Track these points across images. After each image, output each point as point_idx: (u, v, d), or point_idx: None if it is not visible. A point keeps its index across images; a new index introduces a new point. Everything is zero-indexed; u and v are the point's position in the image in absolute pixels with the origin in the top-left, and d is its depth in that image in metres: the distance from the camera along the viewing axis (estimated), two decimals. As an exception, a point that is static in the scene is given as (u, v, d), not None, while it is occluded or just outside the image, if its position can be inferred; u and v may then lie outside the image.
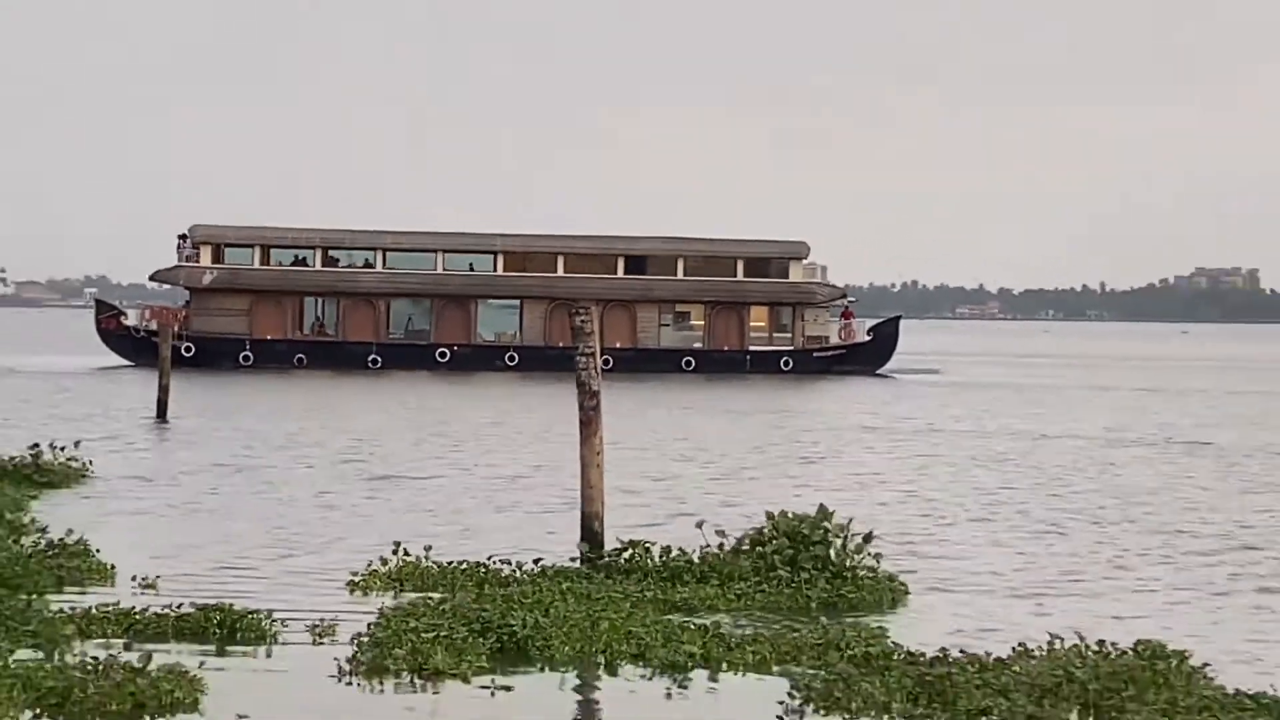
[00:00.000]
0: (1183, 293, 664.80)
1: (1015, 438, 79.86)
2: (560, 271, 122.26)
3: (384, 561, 30.80)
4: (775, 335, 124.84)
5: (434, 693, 21.76)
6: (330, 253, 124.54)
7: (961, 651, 23.31)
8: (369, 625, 24.84)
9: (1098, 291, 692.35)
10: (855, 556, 31.76)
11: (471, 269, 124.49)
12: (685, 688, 22.80)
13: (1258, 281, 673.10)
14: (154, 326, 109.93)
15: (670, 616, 26.81)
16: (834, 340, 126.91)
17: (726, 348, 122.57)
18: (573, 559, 31.79)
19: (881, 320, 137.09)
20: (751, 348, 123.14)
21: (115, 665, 20.64)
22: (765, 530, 31.97)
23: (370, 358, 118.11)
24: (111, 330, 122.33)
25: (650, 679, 23.30)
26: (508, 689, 21.92)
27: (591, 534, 32.20)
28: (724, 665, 23.85)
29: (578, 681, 23.05)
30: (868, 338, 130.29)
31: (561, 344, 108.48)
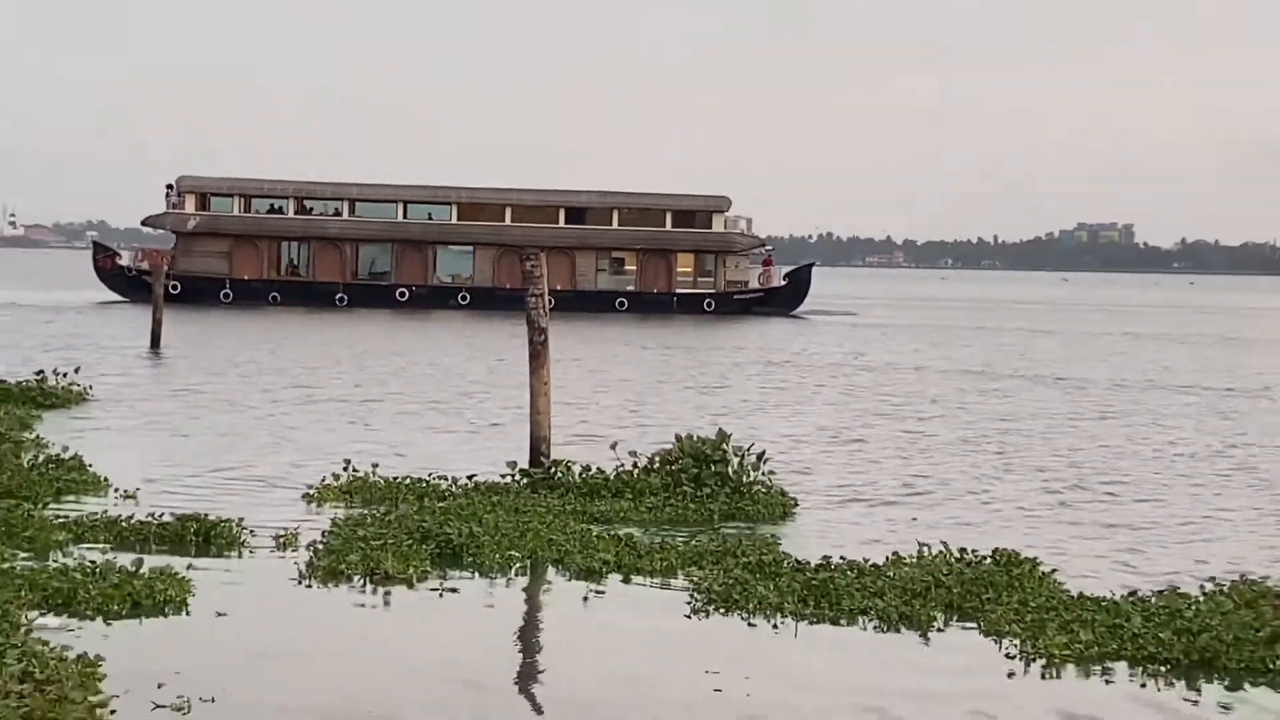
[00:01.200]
0: (1066, 245, 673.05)
1: (903, 370, 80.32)
2: (508, 221, 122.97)
3: (336, 477, 31.23)
4: (699, 280, 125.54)
5: (385, 593, 22.27)
6: (304, 202, 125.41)
7: (843, 559, 24.03)
8: (323, 534, 25.34)
9: (991, 243, 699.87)
10: (751, 474, 32.40)
11: (430, 218, 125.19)
12: (602, 591, 23.30)
13: (1132, 235, 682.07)
14: (145, 267, 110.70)
15: (589, 527, 27.27)
16: (753, 284, 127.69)
17: (655, 290, 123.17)
18: (503, 476, 32.08)
19: (796, 266, 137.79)
20: (678, 291, 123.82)
21: (112, 568, 21.14)
22: (673, 451, 32.52)
23: (337, 296, 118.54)
24: (108, 270, 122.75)
25: (569, 581, 23.91)
26: (454, 591, 22.58)
27: (538, 455, 32.75)
28: (635, 571, 24.34)
29: (505, 586, 23.53)
30: (784, 283, 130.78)
31: (509, 285, 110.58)
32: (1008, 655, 19.80)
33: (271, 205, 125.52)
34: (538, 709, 17.12)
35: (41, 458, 32.96)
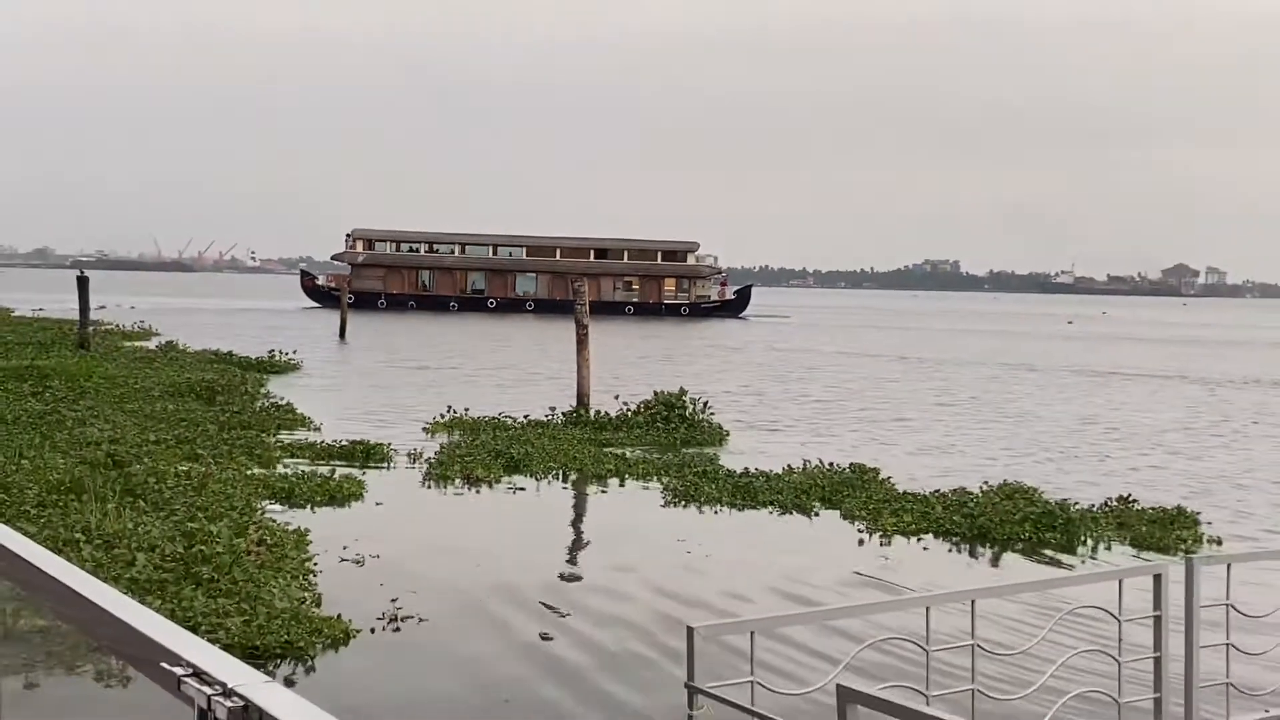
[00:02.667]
0: (916, 273, 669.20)
1: (801, 351, 79.90)
2: (558, 257, 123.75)
3: (443, 417, 31.90)
4: (679, 294, 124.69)
5: (476, 489, 23.37)
6: (433, 246, 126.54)
7: (757, 469, 25.02)
8: (436, 452, 26.50)
9: (869, 271, 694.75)
10: (701, 414, 33.27)
11: (510, 255, 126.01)
12: (605, 490, 24.53)
13: (959, 267, 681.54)
14: (334, 286, 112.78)
15: (600, 449, 28.09)
16: (713, 298, 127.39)
17: (650, 301, 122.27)
18: (547, 416, 32.68)
19: (742, 286, 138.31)
20: (665, 301, 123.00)
21: (314, 474, 22.61)
22: (652, 401, 33.46)
23: (451, 304, 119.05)
24: (310, 288, 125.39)
25: (587, 483, 25.01)
26: (521, 489, 23.85)
27: (582, 403, 33.62)
28: (626, 476, 25.38)
29: (545, 485, 24.57)
30: (733, 297, 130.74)
31: (559, 298, 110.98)
32: (858, 530, 20.80)
33: (411, 247, 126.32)
34: (574, 550, 18.71)
35: (269, 404, 34.26)
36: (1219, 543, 20.08)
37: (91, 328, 52.68)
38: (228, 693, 1.35)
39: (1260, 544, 20.19)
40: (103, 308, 62.08)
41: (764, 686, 7.39)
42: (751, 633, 7.44)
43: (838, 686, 6.08)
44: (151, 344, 56.03)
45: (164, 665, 1.47)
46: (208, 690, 1.37)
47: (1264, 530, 21.87)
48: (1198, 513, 22.08)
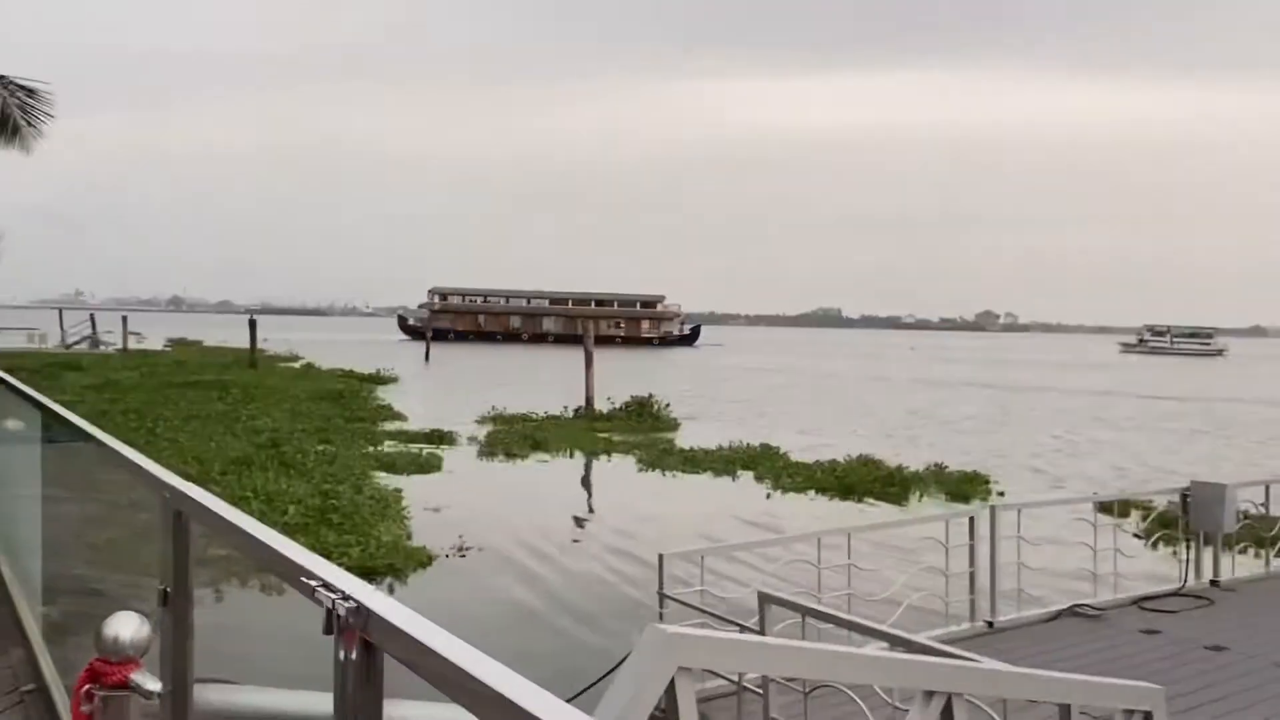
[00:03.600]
0: (814, 316, 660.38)
1: (732, 369, 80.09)
2: (570, 305, 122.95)
3: (490, 413, 31.41)
4: (651, 331, 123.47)
5: (513, 461, 23.26)
6: (487, 298, 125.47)
7: (698, 447, 24.76)
8: (485, 436, 26.33)
9: (783, 314, 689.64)
10: (663, 411, 33.19)
11: (537, 304, 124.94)
12: (595, 461, 24.23)
13: (842, 312, 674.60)
14: (420, 325, 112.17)
15: (594, 434, 27.88)
16: (676, 333, 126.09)
17: (633, 335, 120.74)
18: (561, 412, 32.57)
19: (694, 325, 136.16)
20: (642, 335, 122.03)
21: (407, 452, 22.46)
22: (630, 402, 33.42)
23: (498, 337, 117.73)
24: (403, 326, 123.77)
25: (584, 457, 24.66)
26: (544, 461, 23.66)
27: (589, 403, 33.41)
28: (612, 453, 25.03)
29: (559, 459, 24.18)
30: (689, 332, 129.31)
31: (571, 333, 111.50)
32: (766, 487, 20.73)
33: (470, 299, 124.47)
34: (581, 500, 18.59)
35: (377, 404, 34.12)
36: (1002, 494, 19.99)
37: (258, 354, 52.82)
38: (345, 597, 1.36)
39: (1032, 496, 20.16)
40: (266, 340, 62.11)
41: (710, 593, 7.47)
42: (701, 557, 7.50)
43: (759, 592, 6.11)
44: (297, 365, 55.89)
45: (303, 579, 1.47)
46: (333, 596, 1.38)
47: (1030, 487, 21.67)
48: (987, 475, 22.25)
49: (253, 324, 54.40)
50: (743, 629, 6.36)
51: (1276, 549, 12.38)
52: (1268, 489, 12.36)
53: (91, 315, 68.43)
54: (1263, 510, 12.62)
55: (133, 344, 61.56)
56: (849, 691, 6.30)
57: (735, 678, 6.81)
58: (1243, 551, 12.24)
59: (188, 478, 2.50)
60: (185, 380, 36.72)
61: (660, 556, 7.30)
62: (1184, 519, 11.22)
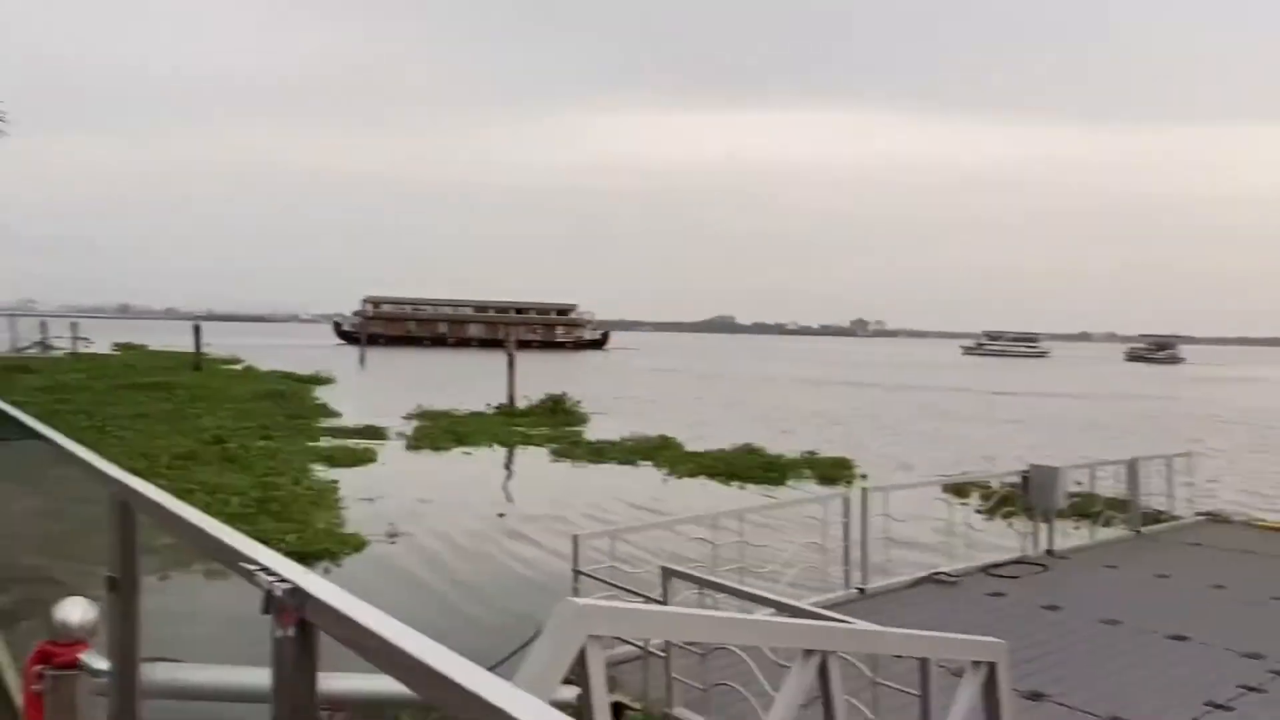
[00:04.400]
0: (714, 323, 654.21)
1: (639, 370, 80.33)
2: (491, 313, 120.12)
3: (416, 410, 30.52)
4: (565, 335, 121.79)
5: (439, 453, 22.63)
6: (417, 306, 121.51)
7: (606, 440, 24.70)
8: (412, 431, 25.49)
9: (685, 321, 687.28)
10: (574, 407, 33.02)
11: (462, 311, 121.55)
12: (513, 453, 23.82)
13: (735, 320, 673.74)
14: (354, 330, 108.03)
15: (512, 429, 27.50)
16: (587, 338, 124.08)
17: (549, 340, 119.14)
18: (485, 408, 32.06)
19: (604, 330, 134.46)
20: (557, 340, 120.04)
21: (343, 446, 21.76)
22: (546, 399, 33.16)
23: (426, 342, 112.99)
24: (339, 331, 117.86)
25: (503, 449, 24.21)
26: (467, 453, 23.06)
27: (512, 401, 32.99)
28: (529, 445, 24.71)
29: (480, 451, 23.64)
30: (599, 336, 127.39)
31: (493, 338, 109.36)
32: (664, 474, 20.72)
33: (400, 306, 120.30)
34: (501, 487, 18.26)
35: (314, 403, 32.97)
36: (865, 478, 20.20)
37: (202, 357, 51.06)
38: (282, 580, 1.33)
39: (891, 479, 20.52)
40: (209, 344, 60.02)
41: (619, 569, 7.49)
42: (610, 537, 7.52)
43: (661, 567, 6.15)
44: (239, 367, 54.12)
45: (242, 564, 1.45)
46: (270, 579, 1.35)
47: (888, 471, 21.90)
48: (854, 461, 22.53)
49: (197, 329, 52.57)
50: (647, 600, 6.38)
51: (1099, 522, 12.98)
52: (1093, 471, 12.93)
53: (42, 321, 65.36)
54: (1089, 488, 13.23)
55: (81, 348, 58.79)
56: (740, 652, 6.40)
57: (641, 643, 6.84)
58: (1076, 525, 12.81)
59: (136, 472, 2.41)
60: (132, 382, 35.27)
61: (575, 537, 7.31)
62: (1024, 497, 11.63)
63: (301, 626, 1.32)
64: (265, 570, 1.38)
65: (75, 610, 2.18)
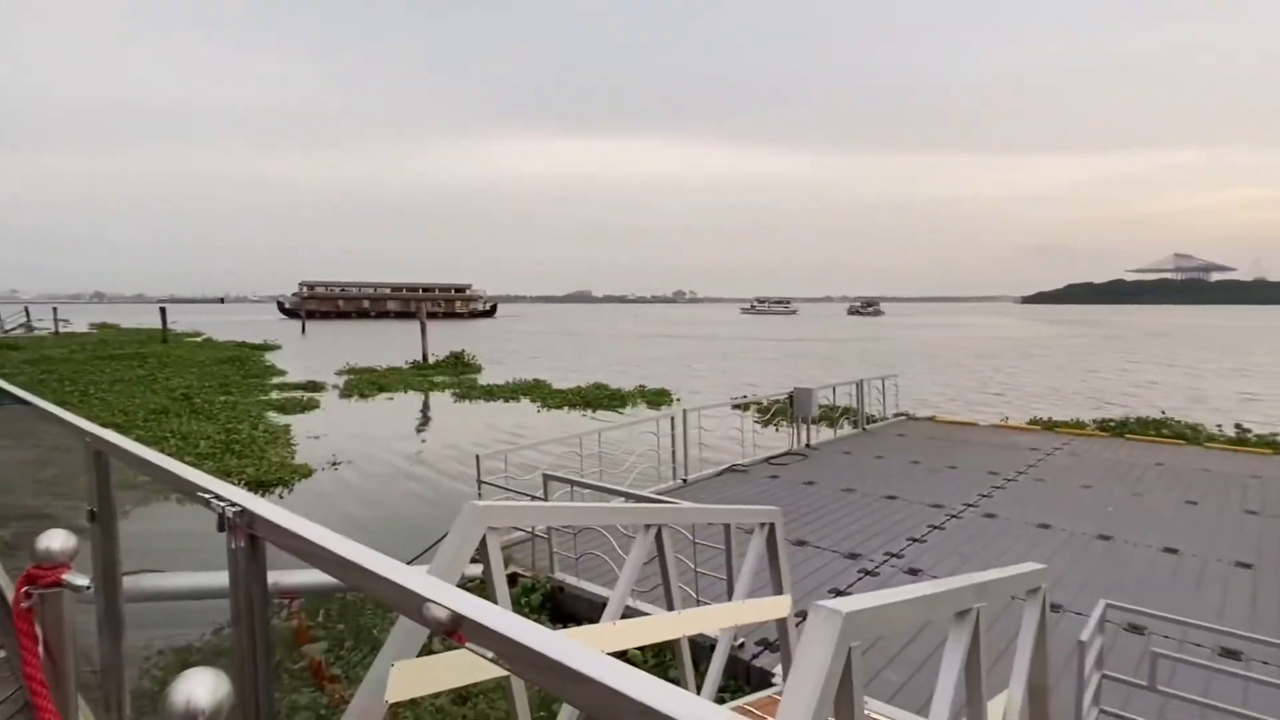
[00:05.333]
0: (576, 297, 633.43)
1: (529, 333, 78.35)
2: (404, 292, 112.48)
3: (346, 366, 29.03)
4: (464, 308, 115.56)
5: (366, 400, 21.01)
6: (345, 288, 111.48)
7: (493, 383, 23.77)
8: (344, 383, 23.72)
9: (555, 295, 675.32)
10: (471, 360, 31.87)
11: (380, 290, 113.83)
12: (426, 396, 22.33)
13: (593, 292, 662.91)
14: (294, 308, 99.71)
15: (425, 378, 25.98)
16: (480, 309, 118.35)
17: (451, 311, 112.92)
18: (404, 364, 30.37)
19: (494, 303, 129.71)
20: (456, 311, 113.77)
21: (293, 397, 20.09)
22: (450, 356, 31.85)
23: (353, 315, 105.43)
24: (281, 309, 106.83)
25: (414, 395, 22.67)
26: (389, 399, 21.48)
27: (425, 358, 31.04)
28: (436, 389, 23.41)
29: (399, 396, 22.27)
30: (489, 308, 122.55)
31: (408, 310, 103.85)
32: (538, 406, 19.73)
33: (332, 289, 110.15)
34: (417, 422, 16.92)
35: (265, 365, 30.15)
36: (679, 401, 20.14)
37: (168, 332, 46.53)
38: (232, 504, 1.21)
39: (699, 402, 20.99)
40: (175, 322, 54.68)
41: (514, 477, 7.39)
42: (506, 455, 7.37)
43: (543, 474, 6.07)
44: (199, 339, 49.67)
45: (199, 494, 1.31)
46: (222, 504, 1.23)
47: (694, 396, 21.67)
48: (671, 391, 22.55)
49: (163, 310, 48.14)
50: (533, 498, 6.31)
51: (838, 424, 13.74)
52: (834, 390, 13.66)
53: (26, 307, 57.84)
54: (832, 402, 13.97)
55: (62, 328, 52.45)
56: (601, 530, 6.46)
57: (529, 530, 6.79)
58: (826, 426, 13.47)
59: (117, 426, 2.21)
60: (110, 354, 31.72)
61: (477, 456, 7.11)
62: (790, 410, 12.15)
63: (250, 540, 1.21)
64: (218, 497, 1.27)
65: (56, 539, 1.93)
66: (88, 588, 1.87)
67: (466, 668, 1.59)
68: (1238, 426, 14.61)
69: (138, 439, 13.16)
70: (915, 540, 7.05)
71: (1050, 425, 14.02)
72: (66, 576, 1.93)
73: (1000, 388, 24.73)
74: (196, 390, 20.65)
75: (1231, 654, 4.69)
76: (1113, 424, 14.32)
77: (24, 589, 1.92)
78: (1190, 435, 13.28)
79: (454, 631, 0.79)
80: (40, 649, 2.01)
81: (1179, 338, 59.60)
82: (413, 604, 0.83)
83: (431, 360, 31.66)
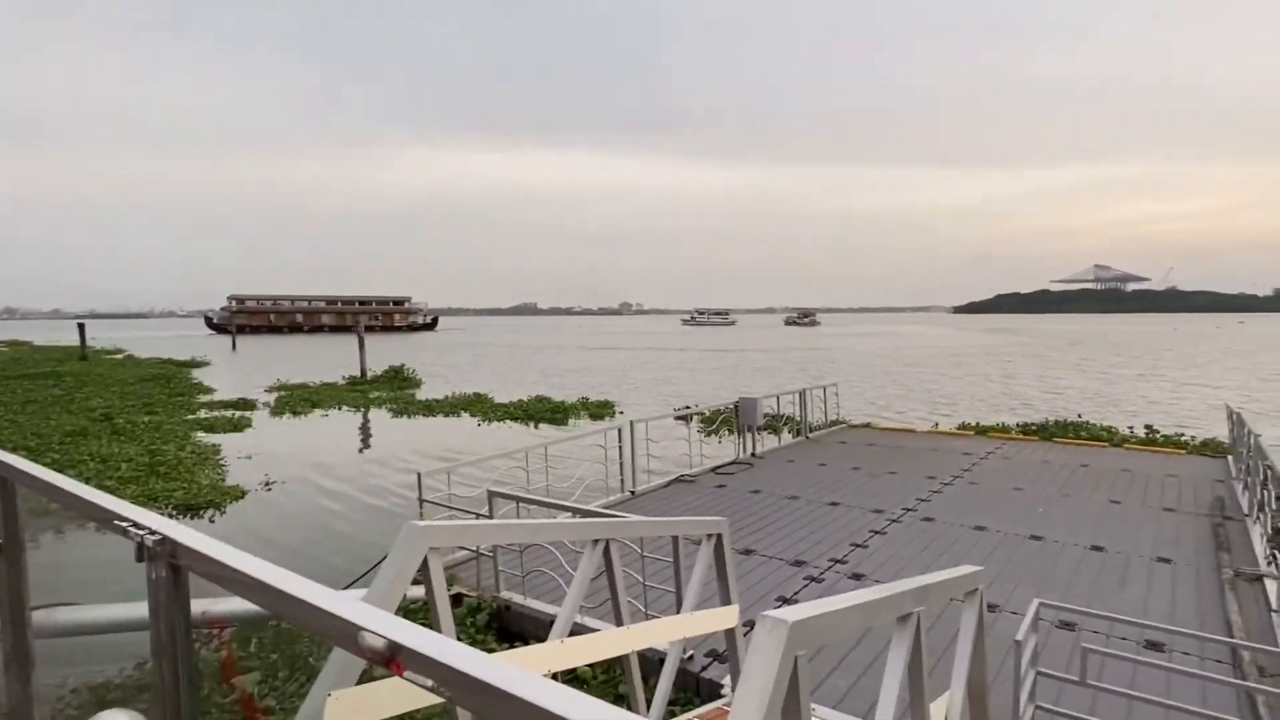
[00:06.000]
0: (521, 310, 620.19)
1: (476, 344, 77.24)
2: (340, 305, 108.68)
3: (277, 383, 27.88)
4: (403, 320, 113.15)
5: (299, 417, 20.21)
6: (278, 300, 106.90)
7: (432, 398, 23.36)
8: (274, 400, 22.77)
9: (499, 307, 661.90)
10: (410, 375, 30.94)
11: (315, 304, 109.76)
12: (362, 412, 21.66)
13: (538, 304, 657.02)
14: (223, 322, 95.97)
15: (362, 394, 25.39)
16: (421, 322, 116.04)
17: (392, 324, 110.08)
18: (341, 380, 29.65)
19: (434, 315, 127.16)
20: (395, 325, 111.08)
21: (222, 416, 19.26)
22: (388, 370, 30.95)
23: (285, 329, 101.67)
24: (210, 323, 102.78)
25: (352, 412, 22.00)
26: (324, 415, 20.79)
27: (364, 372, 30.04)
28: (373, 406, 22.58)
29: (334, 413, 21.53)
30: (430, 321, 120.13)
31: (343, 324, 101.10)
32: (478, 421, 19.44)
33: (263, 302, 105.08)
34: (352, 440, 16.53)
35: (192, 382, 28.81)
36: (623, 413, 20.11)
37: (87, 350, 44.12)
38: (152, 532, 1.14)
39: (643, 413, 20.70)
40: (94, 339, 51.95)
41: (457, 495, 7.22)
42: (448, 472, 7.19)
43: (487, 490, 5.95)
44: (120, 356, 47.24)
45: (116, 521, 1.23)
46: (141, 532, 1.15)
47: (637, 408, 21.84)
48: (615, 402, 22.54)
49: (81, 327, 45.58)
50: (477, 516, 6.19)
51: (782, 433, 13.92)
52: (778, 399, 13.82)
53: (-73, 325, 54.19)
54: (776, 410, 14.14)
55: (-33, 348, 49.26)
56: (548, 546, 6.36)
57: (473, 549, 6.63)
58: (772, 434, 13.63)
59: (28, 450, 2.06)
60: (21, 373, 29.92)
61: (419, 475, 6.92)
62: (736, 419, 12.24)
63: (172, 569, 1.15)
64: (136, 525, 1.19)
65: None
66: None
67: (407, 695, 1.54)
68: (1148, 428, 15.31)
69: (51, 463, 12.43)
70: (858, 545, 7.15)
71: (982, 430, 14.47)
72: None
73: (932, 395, 25.38)
74: (118, 410, 19.62)
75: (1155, 646, 4.87)
76: (1035, 428, 14.85)
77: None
78: (1107, 437, 13.87)
79: (392, 660, 0.76)
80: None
81: (1096, 345, 62.60)
82: (347, 633, 0.80)
83: (370, 375, 30.84)
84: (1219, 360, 41.97)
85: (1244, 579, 5.99)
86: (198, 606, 1.15)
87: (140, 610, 1.24)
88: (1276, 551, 6.13)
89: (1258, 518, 7.33)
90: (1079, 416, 17.24)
